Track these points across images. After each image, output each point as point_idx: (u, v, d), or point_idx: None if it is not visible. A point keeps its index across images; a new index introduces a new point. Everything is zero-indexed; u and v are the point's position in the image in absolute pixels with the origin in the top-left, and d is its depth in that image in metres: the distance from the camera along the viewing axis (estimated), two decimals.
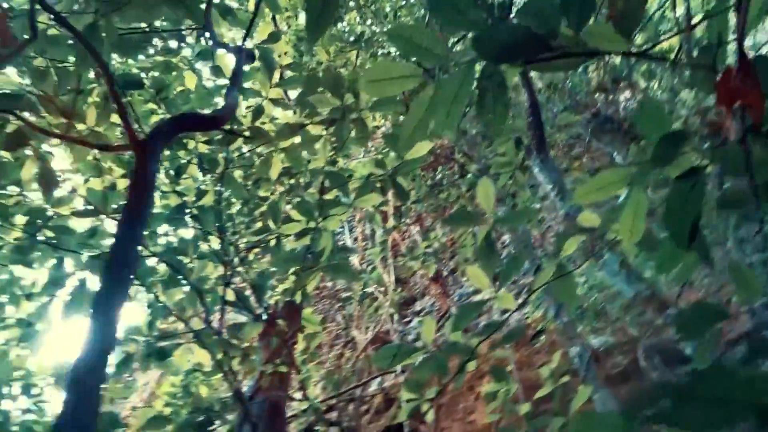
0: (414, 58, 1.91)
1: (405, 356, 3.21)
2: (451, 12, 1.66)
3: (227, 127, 4.29)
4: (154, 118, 4.52)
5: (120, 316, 1.83)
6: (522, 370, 8.74)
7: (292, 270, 6.50)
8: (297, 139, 4.40)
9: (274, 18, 12.15)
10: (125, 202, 1.67)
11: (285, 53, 10.37)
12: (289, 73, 5.82)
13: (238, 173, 6.84)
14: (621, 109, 15.10)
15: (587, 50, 1.49)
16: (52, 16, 1.97)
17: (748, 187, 1.79)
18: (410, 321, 12.17)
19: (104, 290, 1.69)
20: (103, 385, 1.66)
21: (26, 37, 1.80)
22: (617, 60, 12.57)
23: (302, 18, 10.64)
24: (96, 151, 4.15)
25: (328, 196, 4.83)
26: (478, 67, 1.81)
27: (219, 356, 3.66)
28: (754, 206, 2.01)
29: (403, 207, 10.88)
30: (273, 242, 4.71)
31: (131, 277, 1.66)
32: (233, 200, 7.49)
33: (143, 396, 12.93)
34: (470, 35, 1.47)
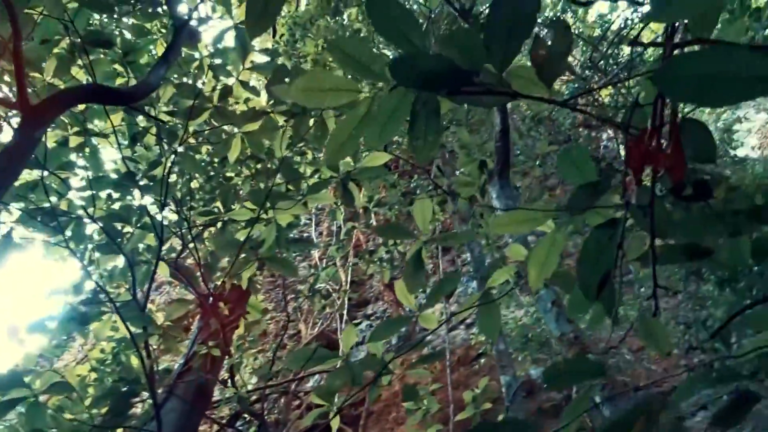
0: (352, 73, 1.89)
1: (320, 361, 3.20)
2: (393, 31, 1.65)
3: (190, 102, 4.24)
4: (119, 81, 4.44)
5: None
6: (458, 389, 8.78)
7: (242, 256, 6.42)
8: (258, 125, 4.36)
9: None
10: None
11: (281, 36, 10.32)
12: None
13: (205, 149, 6.75)
14: (602, 147, 15.27)
15: (509, 91, 1.48)
16: None
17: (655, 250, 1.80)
18: (360, 323, 12.15)
19: None
20: None
21: None
22: (606, 99, 12.67)
23: (303, 4, 10.60)
24: None
25: (291, 188, 4.81)
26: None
27: (135, 330, 3.59)
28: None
29: (370, 209, 10.85)
30: (220, 225, 4.66)
31: None
32: (197, 175, 7.40)
33: (78, 356, 12.73)
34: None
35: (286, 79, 3.62)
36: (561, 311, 3.66)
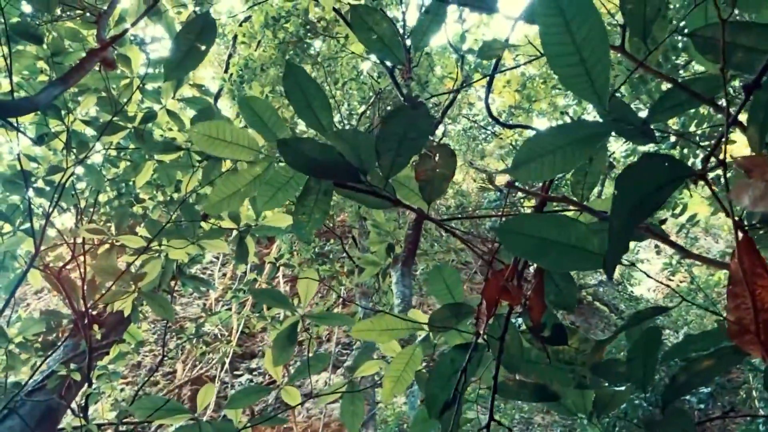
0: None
1: (169, 414, 3.03)
2: (304, 106, 1.66)
3: (109, 116, 4.11)
4: (42, 78, 4.27)
5: None
6: None
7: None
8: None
9: (235, 39, 12.12)
10: None
11: (231, 76, 10.30)
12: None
13: (123, 165, 6.53)
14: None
15: (392, 198, 1.50)
16: None
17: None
18: (241, 375, 11.71)
19: None
20: None
21: None
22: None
23: (263, 48, 10.68)
24: None
25: (205, 226, 4.67)
26: None
27: None
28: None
29: (279, 263, 10.69)
30: (108, 247, 4.45)
31: None
32: (108, 188, 7.11)
33: None
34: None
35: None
36: None
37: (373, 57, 10.70)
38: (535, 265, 1.55)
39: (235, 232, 3.71)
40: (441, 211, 12.86)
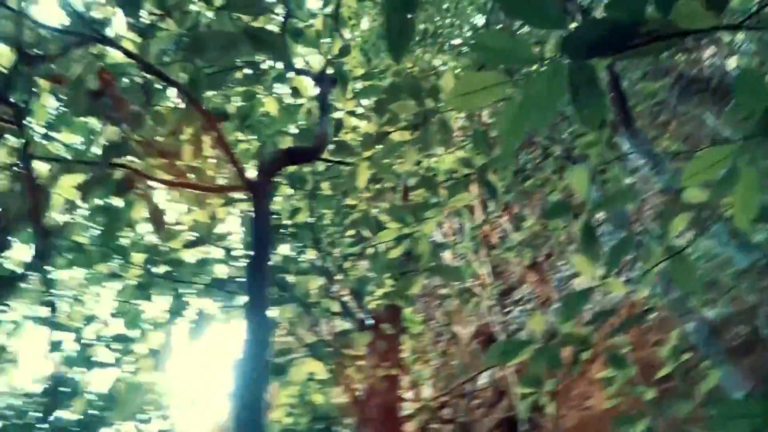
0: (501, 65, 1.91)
1: (516, 352, 3.20)
2: (531, 10, 1.65)
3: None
4: (242, 146, 4.72)
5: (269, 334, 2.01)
6: (635, 350, 8.43)
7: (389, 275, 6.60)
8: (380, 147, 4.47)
9: (337, 29, 12.35)
10: (249, 239, 1.76)
11: (354, 59, 10.52)
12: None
13: (325, 185, 7.02)
14: (706, 68, 14.23)
15: (677, 31, 1.45)
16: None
17: None
18: (510, 311, 12.00)
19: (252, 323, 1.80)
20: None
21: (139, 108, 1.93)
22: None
23: (365, 23, 10.76)
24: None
25: (417, 198, 4.89)
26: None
27: (332, 366, 3.77)
28: None
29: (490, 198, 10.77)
30: (371, 251, 4.81)
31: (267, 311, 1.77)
32: (324, 212, 7.68)
33: None
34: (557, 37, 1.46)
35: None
36: (743, 240, 3.45)
37: None
38: None
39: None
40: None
